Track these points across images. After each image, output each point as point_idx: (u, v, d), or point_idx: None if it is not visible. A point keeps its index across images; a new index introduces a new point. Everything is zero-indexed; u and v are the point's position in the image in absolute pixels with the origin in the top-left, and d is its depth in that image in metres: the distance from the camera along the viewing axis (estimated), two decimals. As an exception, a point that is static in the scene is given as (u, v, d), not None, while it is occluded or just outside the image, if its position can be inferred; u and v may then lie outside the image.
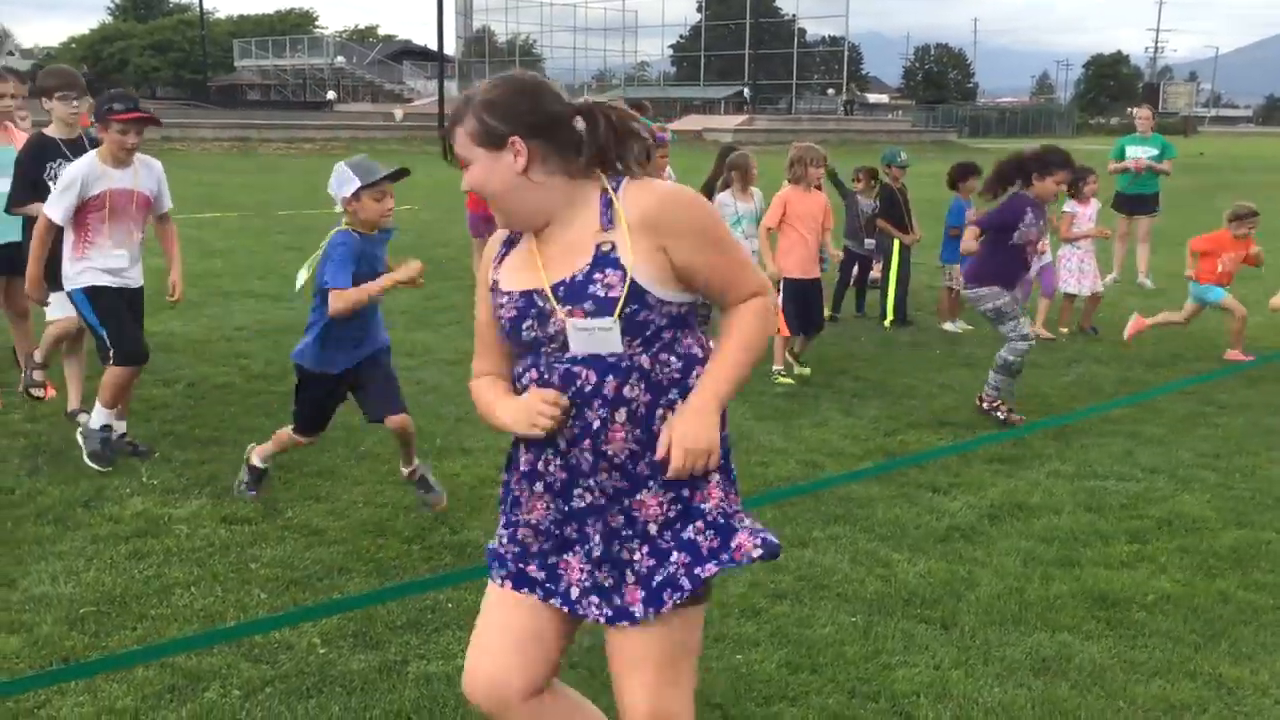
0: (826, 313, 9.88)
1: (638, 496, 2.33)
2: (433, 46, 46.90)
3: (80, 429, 5.63)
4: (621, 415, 2.28)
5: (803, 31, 71.44)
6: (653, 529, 2.33)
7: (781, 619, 4.04)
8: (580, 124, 2.31)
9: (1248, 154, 43.35)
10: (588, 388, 2.28)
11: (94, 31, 79.45)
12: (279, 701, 3.42)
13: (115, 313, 5.42)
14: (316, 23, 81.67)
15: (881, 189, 9.86)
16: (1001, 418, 6.66)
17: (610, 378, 2.28)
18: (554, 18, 69.73)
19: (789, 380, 7.52)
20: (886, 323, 9.63)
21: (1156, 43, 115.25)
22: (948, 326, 9.59)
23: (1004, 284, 6.65)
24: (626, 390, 2.27)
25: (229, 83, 69.20)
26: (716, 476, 2.35)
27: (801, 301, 7.59)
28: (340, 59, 66.63)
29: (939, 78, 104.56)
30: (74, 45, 78.90)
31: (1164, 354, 8.68)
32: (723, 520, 2.35)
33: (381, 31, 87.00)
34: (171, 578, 4.28)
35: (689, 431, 2.25)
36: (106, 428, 5.50)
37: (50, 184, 5.79)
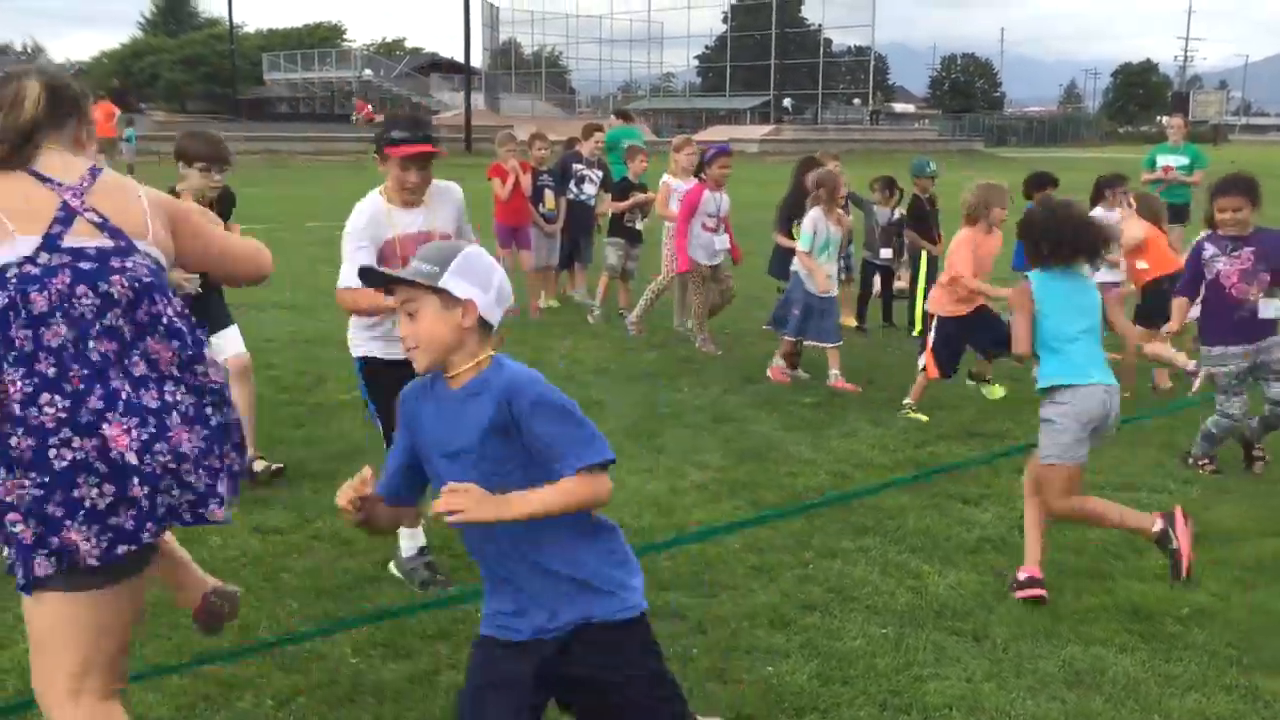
0: (853, 323, 9.86)
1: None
2: (460, 59, 47.18)
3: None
4: None
5: (829, 42, 71.35)
6: None
7: (811, 630, 4.03)
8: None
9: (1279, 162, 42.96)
10: None
11: (125, 46, 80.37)
12: (311, 711, 3.45)
13: (385, 391, 4.09)
14: (344, 36, 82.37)
15: (912, 199, 9.83)
16: (1203, 472, 6.14)
17: None
18: (580, 30, 70.05)
19: (921, 416, 7.08)
20: (915, 333, 9.59)
21: (1186, 51, 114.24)
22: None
23: (1223, 335, 5.92)
24: None
25: (258, 96, 69.81)
26: None
27: (957, 339, 7.13)
28: (368, 72, 67.14)
29: (966, 87, 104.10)
30: (105, 60, 79.80)
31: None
32: None
33: (409, 44, 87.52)
34: (204, 587, 4.31)
35: None
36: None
37: None
